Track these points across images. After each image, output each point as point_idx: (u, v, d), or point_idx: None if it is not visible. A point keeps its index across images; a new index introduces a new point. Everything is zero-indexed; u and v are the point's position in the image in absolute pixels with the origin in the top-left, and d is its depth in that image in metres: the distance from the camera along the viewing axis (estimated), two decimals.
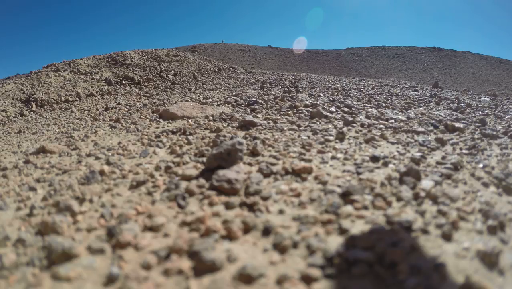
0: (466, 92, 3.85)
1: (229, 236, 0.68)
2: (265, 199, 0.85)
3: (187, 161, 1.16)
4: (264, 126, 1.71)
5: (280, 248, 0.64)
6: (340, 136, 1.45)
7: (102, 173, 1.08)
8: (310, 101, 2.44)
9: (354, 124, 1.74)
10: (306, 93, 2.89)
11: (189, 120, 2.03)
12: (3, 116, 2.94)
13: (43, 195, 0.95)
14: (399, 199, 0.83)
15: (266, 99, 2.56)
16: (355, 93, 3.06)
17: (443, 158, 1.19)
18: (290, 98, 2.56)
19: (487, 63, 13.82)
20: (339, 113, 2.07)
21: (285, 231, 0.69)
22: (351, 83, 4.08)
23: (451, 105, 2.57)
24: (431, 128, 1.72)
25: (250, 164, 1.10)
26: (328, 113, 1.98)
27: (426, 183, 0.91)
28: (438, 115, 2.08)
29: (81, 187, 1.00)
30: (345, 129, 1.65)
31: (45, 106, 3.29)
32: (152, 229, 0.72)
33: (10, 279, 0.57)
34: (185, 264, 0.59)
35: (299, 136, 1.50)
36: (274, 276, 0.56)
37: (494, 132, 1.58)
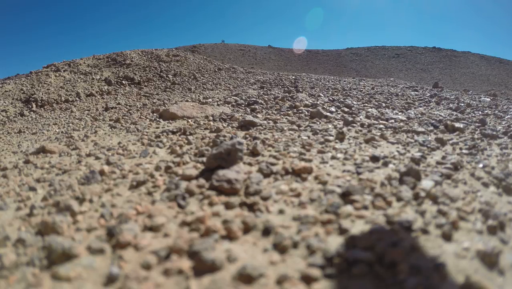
0: (466, 92, 3.85)
1: (229, 236, 0.68)
2: (265, 199, 0.85)
3: (187, 161, 1.16)
4: (264, 126, 1.71)
5: (280, 248, 0.63)
6: (340, 136, 1.45)
7: (102, 173, 1.08)
8: (310, 101, 2.44)
9: (354, 124, 1.74)
10: (306, 93, 2.89)
11: (189, 120, 2.03)
12: (3, 116, 2.94)
13: (43, 195, 0.95)
14: (399, 199, 0.83)
15: (266, 99, 2.56)
16: (355, 93, 3.06)
17: (443, 158, 1.19)
18: (290, 98, 2.56)
19: (487, 63, 13.82)
20: (339, 113, 2.07)
21: (285, 231, 0.69)
22: (351, 83, 4.08)
23: (451, 105, 2.57)
24: (431, 128, 1.72)
25: (250, 164, 1.10)
26: (328, 113, 1.98)
27: (426, 183, 0.91)
28: (438, 115, 2.08)
29: (81, 187, 1.00)
30: (345, 129, 1.65)
31: (45, 106, 3.29)
32: (152, 229, 0.72)
33: (10, 279, 0.57)
34: (185, 264, 0.59)
35: (299, 136, 1.50)
36: (274, 276, 0.56)
37: (494, 132, 1.58)
